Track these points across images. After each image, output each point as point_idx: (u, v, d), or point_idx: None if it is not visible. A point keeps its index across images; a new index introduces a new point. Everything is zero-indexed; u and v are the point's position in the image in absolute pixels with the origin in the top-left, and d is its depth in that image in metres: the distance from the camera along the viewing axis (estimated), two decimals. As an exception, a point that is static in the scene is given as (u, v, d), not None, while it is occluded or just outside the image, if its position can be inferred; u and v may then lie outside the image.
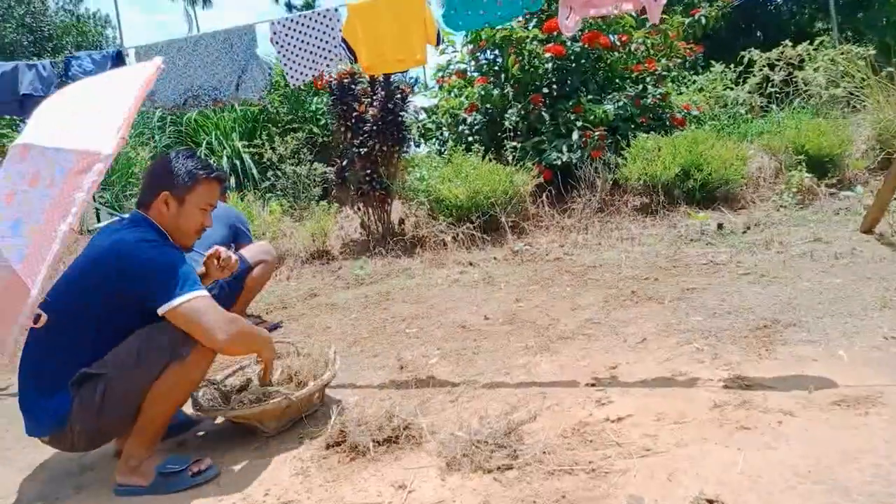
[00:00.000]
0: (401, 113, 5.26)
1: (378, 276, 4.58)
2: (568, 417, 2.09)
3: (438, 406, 2.30)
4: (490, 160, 5.44)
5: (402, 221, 5.56)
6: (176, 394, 1.99)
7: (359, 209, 5.57)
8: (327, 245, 5.48)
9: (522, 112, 6.17)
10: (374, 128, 5.19)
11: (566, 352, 2.68)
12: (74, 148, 2.17)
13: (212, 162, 2.21)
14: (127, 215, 2.11)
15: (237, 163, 7.51)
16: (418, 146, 7.39)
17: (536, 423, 2.06)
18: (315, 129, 7.53)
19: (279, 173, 6.80)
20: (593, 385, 2.32)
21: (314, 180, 6.54)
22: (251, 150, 7.23)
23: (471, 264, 4.51)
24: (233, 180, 7.46)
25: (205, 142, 7.57)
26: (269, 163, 7.03)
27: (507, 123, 5.99)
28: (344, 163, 5.53)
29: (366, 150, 5.26)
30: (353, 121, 5.28)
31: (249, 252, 3.54)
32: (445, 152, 6.27)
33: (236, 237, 3.73)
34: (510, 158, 5.53)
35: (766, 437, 1.83)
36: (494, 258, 4.62)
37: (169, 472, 1.96)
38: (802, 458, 1.69)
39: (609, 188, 5.55)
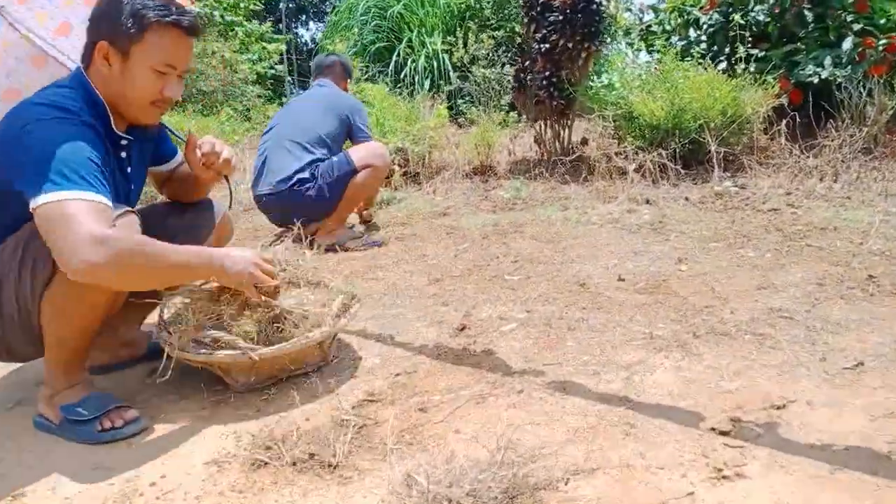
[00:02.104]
0: (596, -1, 4.13)
1: (530, 203, 3.72)
2: (644, 490, 1.15)
3: (463, 404, 1.49)
4: (714, 70, 4.10)
5: (584, 141, 4.54)
6: (74, 310, 1.43)
7: (536, 120, 4.66)
8: (492, 160, 4.70)
9: (776, 10, 4.59)
10: (561, 18, 4.16)
11: (709, 358, 1.64)
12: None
13: (186, 6, 1.51)
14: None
15: (434, 63, 6.94)
16: (638, 52, 6.09)
17: (576, 487, 1.16)
18: (517, 28, 6.61)
19: (469, 75, 6.09)
20: (726, 433, 1.31)
21: (504, 86, 5.73)
22: (447, 47, 6.59)
23: (648, 202, 3.41)
24: (427, 83, 6.93)
25: (406, 39, 7.10)
26: (459, 63, 6.35)
27: (746, 22, 4.48)
28: (525, 63, 4.61)
29: (547, 46, 4.27)
30: (539, 8, 4.29)
31: (357, 153, 2.94)
32: (655, 57, 4.98)
33: (351, 133, 3.14)
34: (741, 69, 4.11)
35: None
36: (686, 198, 3.45)
37: (75, 419, 1.47)
38: None
39: (886, 121, 3.88)
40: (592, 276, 2.34)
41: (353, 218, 3.48)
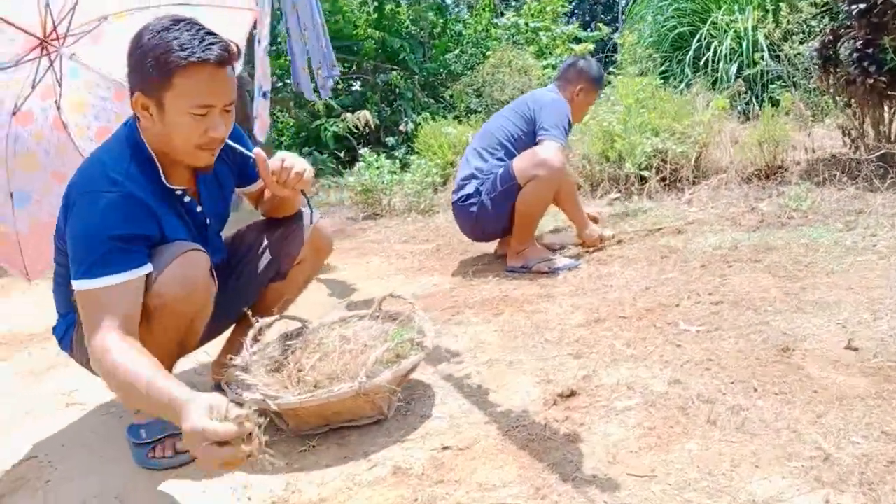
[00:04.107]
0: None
1: (810, 217, 2.82)
2: None
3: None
4: None
5: (922, 130, 3.30)
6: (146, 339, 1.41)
7: (848, 106, 3.56)
8: (783, 159, 3.74)
9: None
10: (880, -35, 3.07)
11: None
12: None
13: (209, 35, 1.32)
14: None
15: (743, 44, 5.93)
16: None
17: None
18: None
19: (779, 55, 5.02)
20: None
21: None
22: (756, 23, 5.55)
23: None
24: (733, 68, 5.97)
25: (710, 20, 6.21)
26: (770, 41, 5.28)
27: None
28: (839, 33, 3.55)
29: (862, 6, 3.19)
30: (849, -41, 3.24)
31: (518, 163, 2.55)
32: None
33: (537, 132, 2.66)
34: None
35: None
36: None
37: (135, 441, 1.54)
38: None
39: None
40: (811, 336, 1.61)
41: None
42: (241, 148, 1.58)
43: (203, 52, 1.29)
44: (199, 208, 1.56)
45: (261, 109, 4.54)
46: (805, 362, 1.48)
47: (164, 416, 1.15)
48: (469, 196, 2.66)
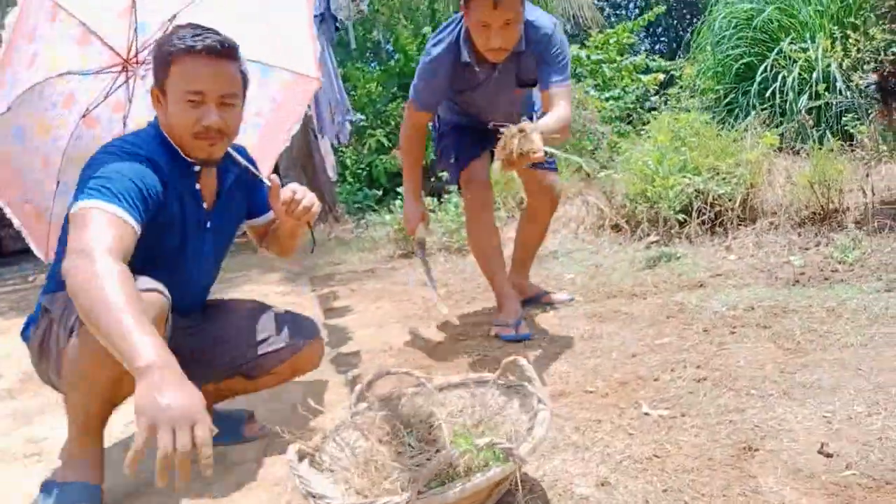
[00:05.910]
0: None
1: (854, 273, 2.49)
2: None
3: None
4: None
5: None
6: (76, 381, 1.37)
7: (913, 144, 3.16)
8: (837, 203, 3.36)
9: None
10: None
11: None
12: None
13: (210, 32, 1.46)
14: None
15: (813, 74, 5.49)
16: None
17: None
18: (938, 9, 4.66)
19: (844, 86, 4.62)
20: None
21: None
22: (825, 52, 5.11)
23: None
24: (803, 100, 5.53)
25: (777, 48, 5.80)
26: (840, 71, 4.86)
27: None
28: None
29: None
30: (907, -18, 2.90)
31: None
32: None
33: None
34: None
35: None
36: None
37: (44, 488, 1.47)
38: None
39: None
40: (785, 432, 1.35)
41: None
42: (256, 172, 1.65)
43: (195, 41, 1.42)
44: (204, 204, 1.60)
45: (324, 151, 4.60)
46: (762, 469, 1.23)
47: (117, 355, 1.08)
48: None
